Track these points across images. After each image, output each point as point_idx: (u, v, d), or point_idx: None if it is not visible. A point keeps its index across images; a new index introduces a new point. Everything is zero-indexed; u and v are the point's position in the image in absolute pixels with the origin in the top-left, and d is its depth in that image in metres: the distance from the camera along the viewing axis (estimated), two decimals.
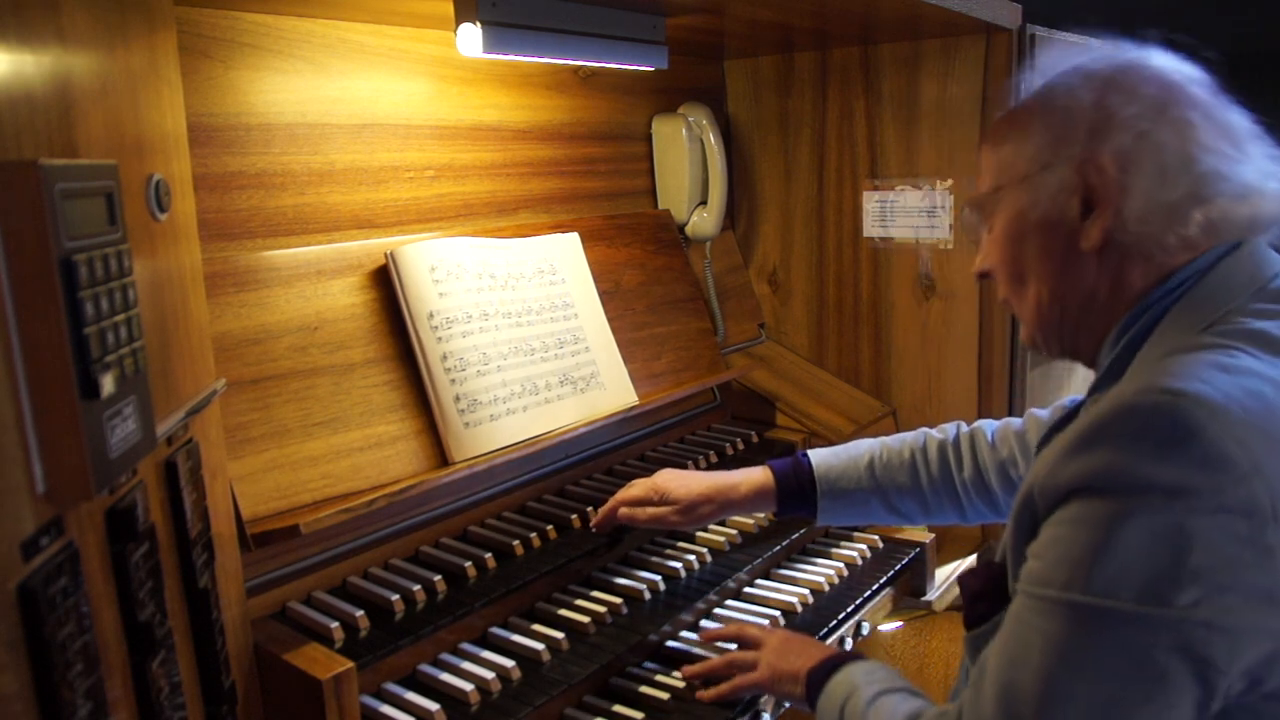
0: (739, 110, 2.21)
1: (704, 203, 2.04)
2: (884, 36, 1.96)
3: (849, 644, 1.54)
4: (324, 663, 1.07)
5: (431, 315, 1.43)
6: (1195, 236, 0.93)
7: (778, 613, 1.49)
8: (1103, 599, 0.79)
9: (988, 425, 1.43)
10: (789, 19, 1.75)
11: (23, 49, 0.67)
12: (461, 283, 1.48)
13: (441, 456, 1.41)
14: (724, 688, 1.27)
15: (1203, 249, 0.94)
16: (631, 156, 2.00)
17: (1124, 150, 0.93)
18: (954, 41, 1.90)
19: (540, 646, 1.27)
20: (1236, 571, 0.76)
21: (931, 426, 1.48)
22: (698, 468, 1.72)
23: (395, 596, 1.23)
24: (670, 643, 1.39)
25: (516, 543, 1.39)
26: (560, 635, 1.30)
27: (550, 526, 1.45)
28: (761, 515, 1.62)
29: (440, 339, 1.43)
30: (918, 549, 1.72)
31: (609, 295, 1.74)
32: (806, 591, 1.55)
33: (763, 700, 1.30)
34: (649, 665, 1.36)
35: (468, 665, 1.24)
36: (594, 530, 1.45)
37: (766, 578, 1.62)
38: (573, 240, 1.71)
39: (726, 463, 1.77)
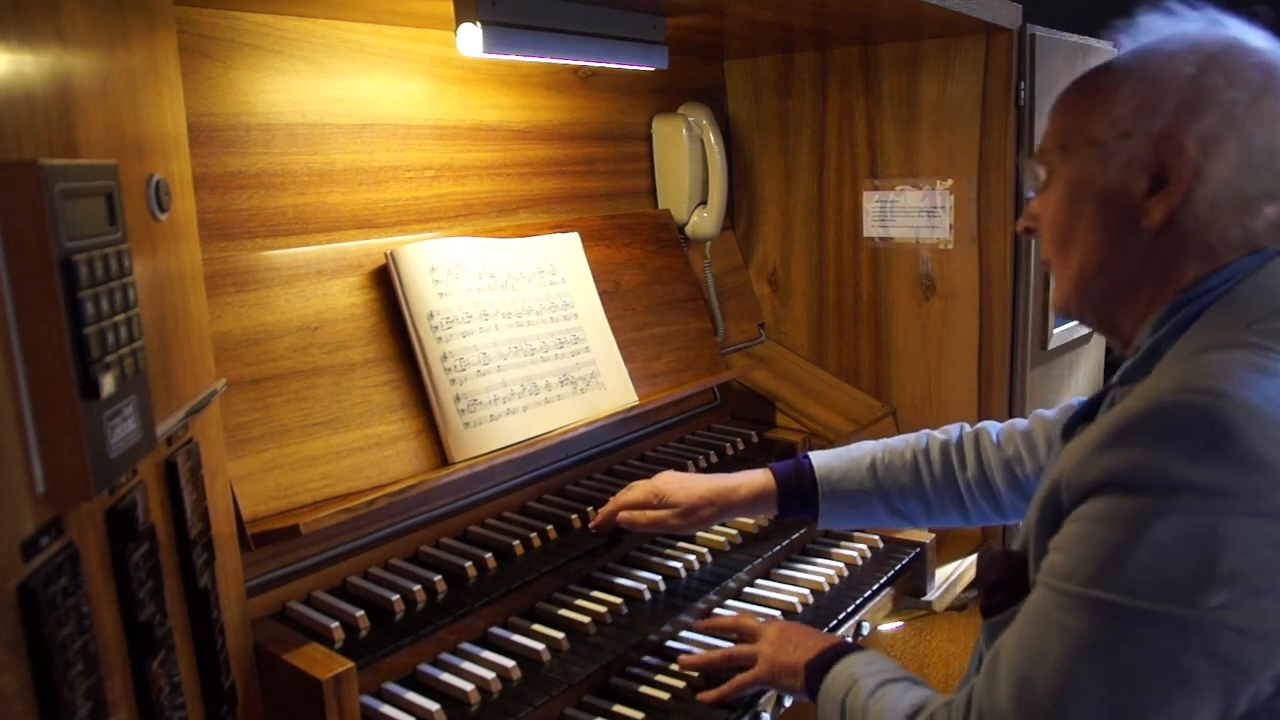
0: (739, 110, 2.21)
1: (704, 203, 2.04)
2: (884, 36, 1.96)
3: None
4: (324, 663, 1.07)
5: (431, 315, 1.43)
6: (1261, 231, 0.91)
7: (778, 613, 1.49)
8: (1128, 597, 0.78)
9: (992, 425, 1.42)
10: (789, 19, 1.75)
11: (23, 49, 0.67)
12: (461, 283, 1.48)
13: (441, 456, 1.41)
14: (725, 688, 1.26)
15: (1263, 245, 0.92)
16: (631, 156, 2.00)
17: (1211, 133, 0.89)
18: (954, 41, 1.90)
19: (540, 646, 1.27)
20: (1271, 575, 0.75)
21: (932, 427, 1.48)
22: (698, 468, 1.72)
23: (395, 596, 1.23)
24: (670, 643, 1.39)
25: (516, 543, 1.39)
26: (560, 635, 1.30)
27: (550, 526, 1.45)
28: (761, 516, 1.62)
29: (440, 339, 1.43)
30: (918, 549, 1.72)
31: (609, 295, 1.74)
32: (807, 591, 1.55)
33: (763, 701, 1.30)
34: (649, 665, 1.36)
35: (468, 665, 1.24)
36: (593, 531, 1.45)
37: (767, 578, 1.62)
38: (573, 240, 1.71)
39: (726, 463, 1.77)
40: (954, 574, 1.84)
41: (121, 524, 0.75)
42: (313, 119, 1.42)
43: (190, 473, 0.89)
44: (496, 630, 1.33)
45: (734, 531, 1.61)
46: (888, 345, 2.09)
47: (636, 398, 1.68)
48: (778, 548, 1.60)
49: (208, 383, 0.99)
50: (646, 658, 1.37)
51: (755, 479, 1.44)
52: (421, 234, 1.55)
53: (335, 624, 1.16)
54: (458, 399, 1.42)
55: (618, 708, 1.26)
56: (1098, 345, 2.38)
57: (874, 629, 1.66)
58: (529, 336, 1.55)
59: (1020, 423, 1.40)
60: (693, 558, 1.52)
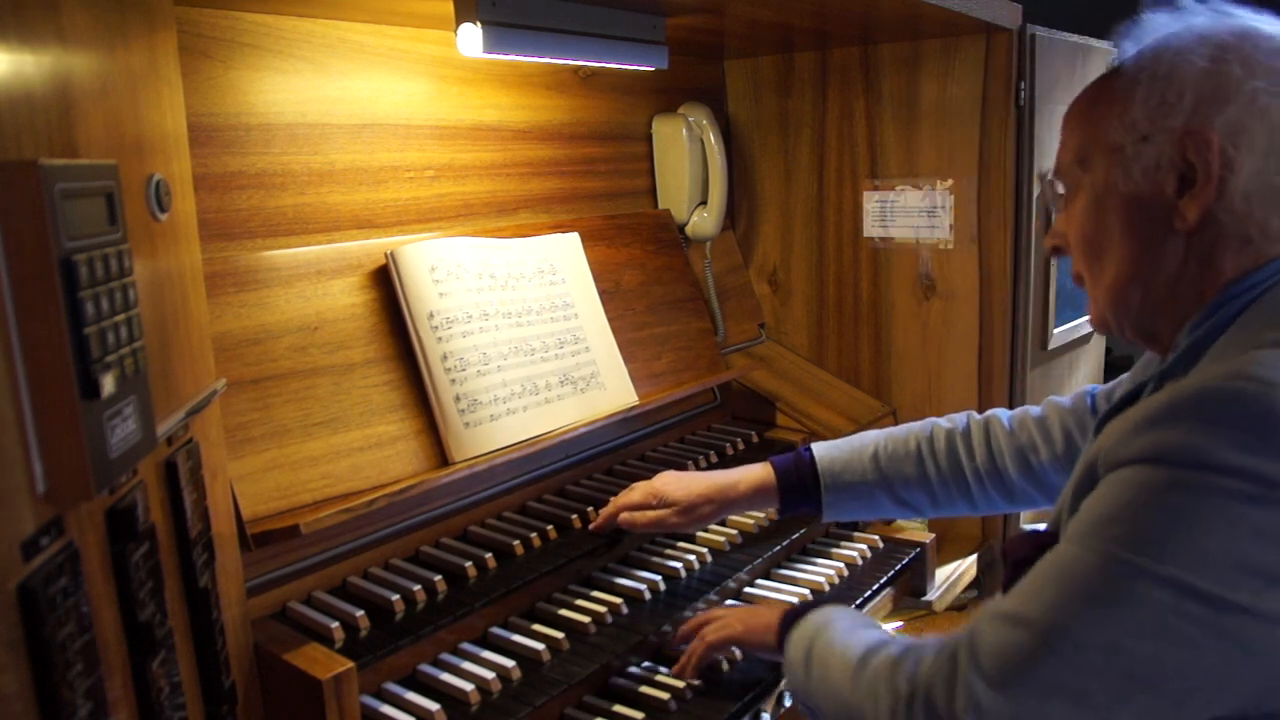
0: (739, 110, 2.21)
1: (704, 203, 2.04)
2: (884, 36, 1.96)
3: None
4: (324, 663, 1.07)
5: (432, 315, 1.43)
6: None
7: None
8: (1147, 560, 0.76)
9: (1003, 413, 1.40)
10: (789, 19, 1.75)
11: (23, 49, 0.67)
12: (461, 283, 1.48)
13: (441, 456, 1.41)
14: (699, 648, 1.27)
15: None
16: (631, 156, 2.00)
17: (1237, 124, 0.86)
18: (954, 41, 1.90)
19: (540, 646, 1.27)
20: None
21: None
22: (698, 468, 1.72)
23: (395, 596, 1.23)
24: (676, 643, 1.39)
25: (517, 543, 1.39)
26: (560, 635, 1.30)
27: (550, 526, 1.45)
28: (762, 515, 1.62)
29: (440, 339, 1.43)
30: (918, 549, 1.72)
31: (609, 295, 1.74)
32: (807, 591, 1.55)
33: (764, 701, 1.30)
34: (649, 665, 1.36)
35: (468, 665, 1.24)
36: (593, 532, 1.45)
37: (767, 578, 1.62)
38: (573, 240, 1.71)
39: (726, 463, 1.77)
40: (954, 574, 1.84)
41: (121, 524, 0.75)
42: (313, 119, 1.42)
43: (190, 473, 0.89)
44: (496, 630, 1.33)
45: (734, 531, 1.61)
46: (888, 345, 2.09)
47: (636, 398, 1.68)
48: (778, 548, 1.60)
49: (208, 383, 0.99)
50: (646, 658, 1.37)
51: (754, 473, 1.44)
52: (421, 234, 1.55)
53: (335, 624, 1.16)
54: (458, 399, 1.42)
55: (618, 708, 1.26)
56: (1098, 345, 2.39)
57: None
58: (529, 336, 1.55)
59: (1034, 409, 1.38)
60: (693, 558, 1.52)
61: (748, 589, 1.57)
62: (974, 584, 1.93)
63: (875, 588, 1.60)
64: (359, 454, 1.33)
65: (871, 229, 2.07)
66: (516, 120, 1.73)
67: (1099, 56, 2.22)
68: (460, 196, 1.64)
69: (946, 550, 1.92)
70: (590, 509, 1.50)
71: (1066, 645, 0.79)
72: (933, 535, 1.76)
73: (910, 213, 2.01)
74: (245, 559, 1.10)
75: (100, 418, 0.68)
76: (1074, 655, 0.79)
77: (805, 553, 1.71)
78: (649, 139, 2.03)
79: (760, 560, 1.57)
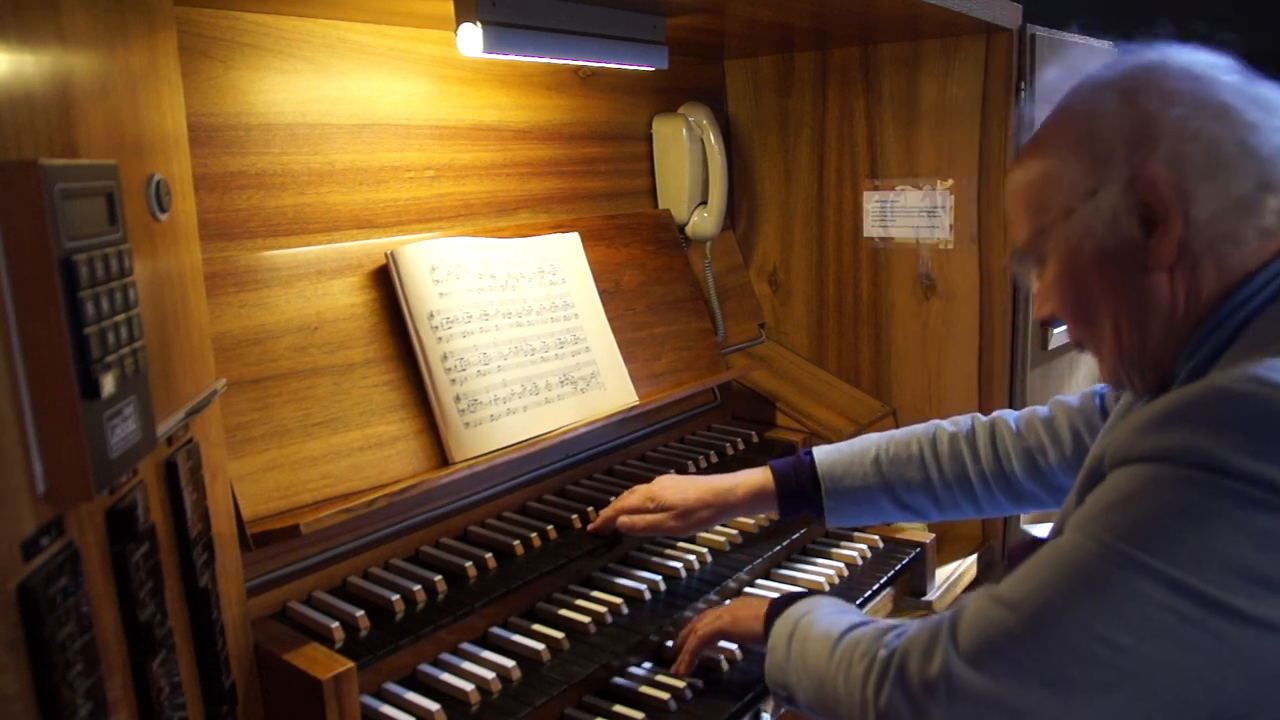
0: (739, 110, 2.21)
1: (704, 203, 2.04)
2: (884, 36, 1.96)
3: None
4: (324, 663, 1.07)
5: (432, 315, 1.43)
6: (1273, 225, 0.87)
7: None
8: (1146, 555, 0.76)
9: (1009, 414, 1.39)
10: (789, 19, 1.74)
11: (23, 49, 0.67)
12: (462, 283, 1.48)
13: (441, 456, 1.41)
14: (691, 642, 1.28)
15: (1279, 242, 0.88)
16: (631, 156, 2.00)
17: (1175, 155, 0.87)
18: (954, 41, 1.90)
19: (540, 646, 1.27)
20: None
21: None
22: (698, 468, 1.72)
23: (395, 596, 1.23)
24: (670, 643, 1.39)
25: (517, 543, 1.39)
26: (560, 635, 1.30)
27: (550, 526, 1.45)
28: (762, 515, 1.62)
29: (440, 339, 1.43)
30: (918, 549, 1.72)
31: (609, 295, 1.74)
32: (807, 592, 1.55)
33: (764, 701, 1.30)
34: (649, 665, 1.36)
35: (468, 665, 1.24)
36: (591, 534, 1.45)
37: (767, 578, 1.62)
38: (573, 240, 1.71)
39: (727, 463, 1.77)
40: (954, 574, 1.84)
41: (122, 524, 0.75)
42: (313, 119, 1.42)
43: (190, 473, 0.89)
44: (496, 630, 1.33)
45: (734, 531, 1.61)
46: (888, 345, 2.09)
47: (636, 398, 1.68)
48: (778, 548, 1.60)
49: (208, 383, 0.99)
50: (646, 658, 1.37)
51: (753, 478, 1.43)
52: (421, 234, 1.55)
53: (335, 624, 1.16)
54: (458, 399, 1.42)
55: (618, 708, 1.26)
56: None
57: None
58: (529, 336, 1.55)
59: (1041, 410, 1.37)
60: (693, 558, 1.52)
61: (748, 589, 1.57)
62: (974, 584, 1.92)
63: (875, 588, 1.60)
64: (359, 454, 1.33)
65: (871, 229, 2.07)
66: (516, 120, 1.73)
67: (1099, 57, 2.22)
68: (460, 196, 1.64)
69: (947, 550, 1.92)
70: (590, 509, 1.50)
71: (1051, 629, 0.78)
72: (933, 535, 1.76)
73: (910, 213, 2.01)
74: (245, 559, 1.10)
75: (100, 418, 0.68)
76: (1058, 640, 0.78)
77: (805, 553, 1.71)
78: (649, 139, 2.03)
79: (760, 560, 1.57)
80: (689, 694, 1.28)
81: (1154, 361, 0.94)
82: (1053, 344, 2.05)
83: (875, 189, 2.05)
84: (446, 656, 1.27)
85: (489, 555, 1.35)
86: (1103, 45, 2.18)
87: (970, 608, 0.85)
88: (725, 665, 1.33)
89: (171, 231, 0.91)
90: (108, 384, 0.68)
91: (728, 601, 1.51)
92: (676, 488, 1.43)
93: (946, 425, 1.42)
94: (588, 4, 1.50)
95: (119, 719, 0.73)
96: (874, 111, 2.03)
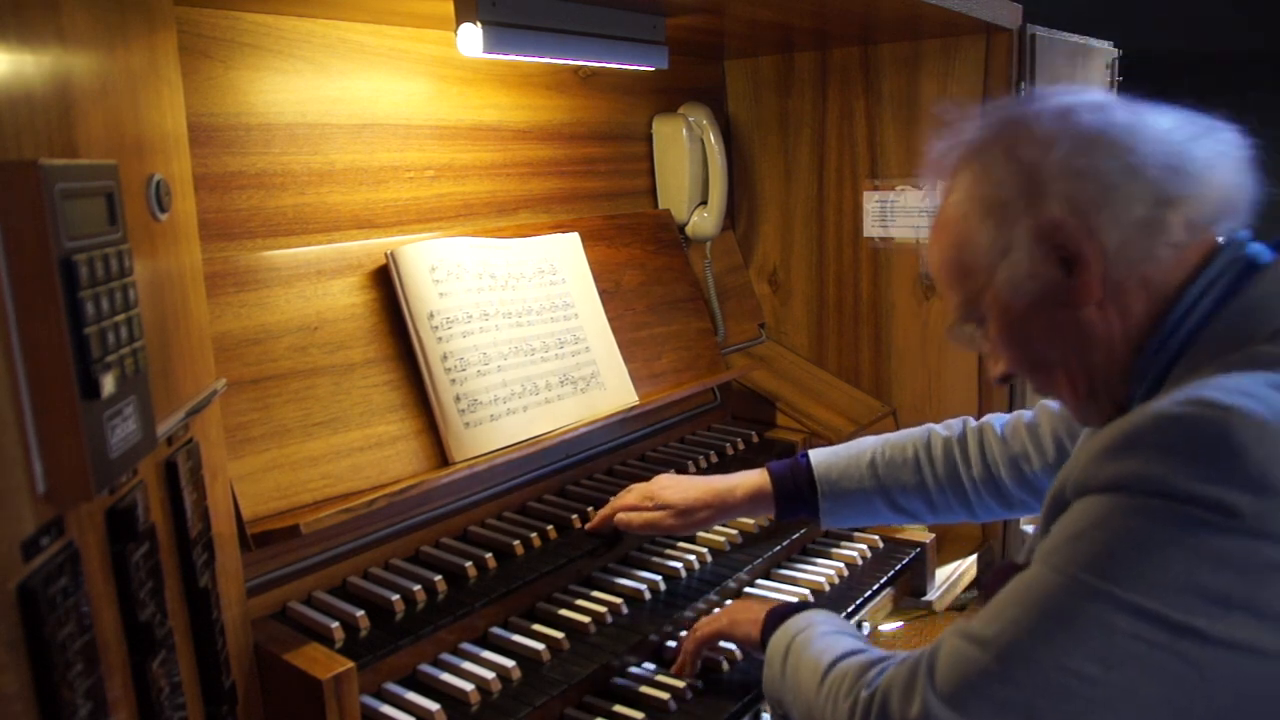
0: (739, 110, 2.21)
1: (704, 203, 2.04)
2: (884, 36, 1.96)
3: None
4: (324, 663, 1.07)
5: (432, 315, 1.43)
6: (1184, 240, 0.90)
7: None
8: (1107, 584, 0.77)
9: (997, 420, 1.41)
10: (789, 19, 1.74)
11: (23, 49, 0.67)
12: (462, 283, 1.48)
13: (442, 456, 1.41)
14: (689, 643, 1.30)
15: (1201, 253, 0.91)
16: (631, 156, 2.00)
17: (1070, 197, 0.90)
18: (954, 41, 1.90)
19: (540, 646, 1.27)
20: (1261, 595, 0.74)
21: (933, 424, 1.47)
22: (698, 468, 1.72)
23: (395, 596, 1.23)
24: (670, 643, 1.39)
25: (517, 543, 1.39)
26: (560, 635, 1.30)
27: (550, 526, 1.45)
28: (761, 516, 1.62)
29: (440, 339, 1.43)
30: (918, 549, 1.72)
31: (609, 295, 1.74)
32: (807, 592, 1.55)
33: (764, 701, 1.30)
34: (649, 665, 1.36)
35: (468, 665, 1.24)
36: (588, 533, 1.45)
37: (766, 578, 1.62)
38: (573, 240, 1.71)
39: (727, 463, 1.77)
40: (954, 574, 1.84)
41: (122, 524, 0.75)
42: (313, 119, 1.42)
43: (190, 473, 0.89)
44: (496, 630, 1.33)
45: (734, 531, 1.61)
46: (888, 345, 2.09)
47: (636, 398, 1.68)
48: (778, 548, 1.60)
49: (208, 383, 0.99)
50: (646, 658, 1.37)
51: (751, 480, 1.44)
52: (421, 234, 1.55)
53: (335, 624, 1.16)
54: (458, 399, 1.42)
55: (618, 708, 1.26)
56: None
57: (874, 629, 1.66)
58: (529, 336, 1.55)
59: (1026, 415, 1.38)
60: (693, 558, 1.52)
61: (748, 589, 1.57)
62: (974, 584, 1.92)
63: (875, 588, 1.60)
64: (359, 454, 1.33)
65: (871, 229, 2.07)
66: (516, 120, 1.73)
67: (1099, 57, 2.22)
68: (460, 196, 1.64)
69: (946, 550, 1.92)
70: (590, 509, 1.50)
71: (1022, 664, 0.80)
72: (933, 535, 1.76)
73: (910, 213, 2.01)
74: (245, 559, 1.10)
75: (100, 418, 0.68)
76: (1028, 674, 0.79)
77: (805, 553, 1.71)
78: (649, 139, 2.03)
79: (760, 560, 1.57)
80: (689, 694, 1.28)
81: (1108, 393, 0.96)
82: None
83: (875, 189, 2.05)
84: (446, 656, 1.27)
85: (489, 555, 1.35)
86: (1102, 45, 2.19)
87: (945, 646, 0.87)
88: (725, 665, 1.33)
89: (171, 231, 0.91)
90: (108, 384, 0.68)
91: (728, 602, 1.52)
92: (676, 487, 1.43)
93: (940, 430, 1.43)
94: (588, 4, 1.50)
95: (119, 719, 0.73)
96: (874, 111, 2.03)
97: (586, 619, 1.34)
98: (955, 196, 0.99)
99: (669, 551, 1.56)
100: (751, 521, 1.63)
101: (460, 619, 1.25)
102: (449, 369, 1.42)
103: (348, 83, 1.46)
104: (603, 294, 1.71)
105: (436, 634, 1.23)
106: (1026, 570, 0.85)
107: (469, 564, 1.32)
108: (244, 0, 1.29)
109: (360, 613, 1.19)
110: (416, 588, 1.25)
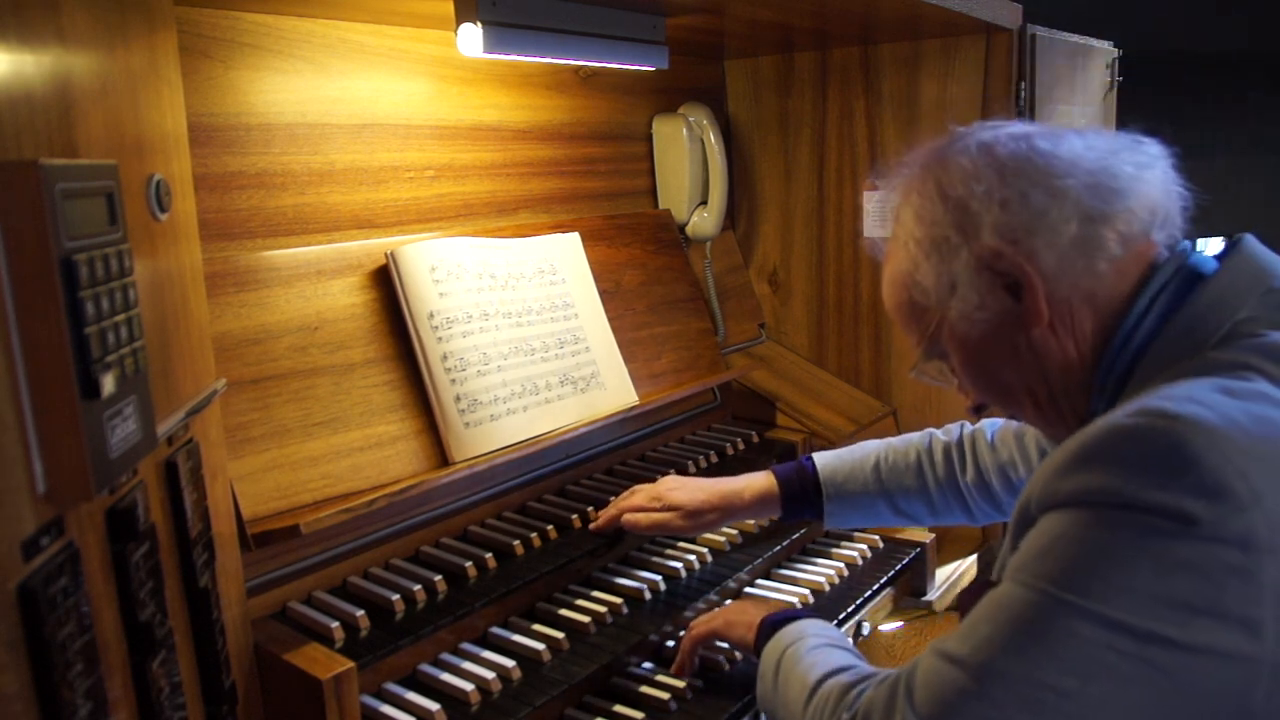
0: (739, 110, 2.21)
1: (704, 203, 2.04)
2: (884, 36, 1.96)
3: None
4: (324, 663, 1.07)
5: (432, 315, 1.43)
6: (1121, 255, 0.92)
7: None
8: (1074, 595, 0.78)
9: (989, 425, 1.42)
10: (789, 19, 1.75)
11: (23, 49, 0.67)
12: (462, 283, 1.48)
13: (442, 456, 1.41)
14: (685, 642, 1.30)
15: (1142, 265, 0.93)
16: (632, 156, 2.00)
17: (1000, 224, 0.93)
18: (954, 41, 1.90)
19: (541, 646, 1.27)
20: (1223, 600, 0.74)
21: (933, 427, 1.48)
22: (698, 468, 1.72)
23: (395, 596, 1.23)
24: (671, 643, 1.39)
25: (517, 543, 1.39)
26: (561, 635, 1.30)
27: (550, 526, 1.45)
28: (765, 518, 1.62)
29: (440, 339, 1.43)
30: (918, 549, 1.72)
31: (609, 295, 1.74)
32: (807, 592, 1.55)
33: None
34: (649, 665, 1.36)
35: (468, 665, 1.24)
36: (593, 533, 1.45)
37: (767, 578, 1.62)
38: (573, 240, 1.71)
39: (727, 463, 1.77)
40: (954, 574, 1.84)
41: (122, 524, 0.75)
42: (313, 119, 1.42)
43: (190, 473, 0.90)
44: (497, 630, 1.33)
45: (734, 531, 1.61)
46: (888, 345, 2.09)
47: (636, 398, 1.68)
48: (778, 548, 1.60)
49: (208, 383, 0.99)
50: (646, 658, 1.37)
51: (758, 482, 1.45)
52: (421, 234, 1.55)
53: (335, 624, 1.16)
54: (458, 399, 1.42)
55: (618, 708, 1.26)
56: None
57: (874, 629, 1.66)
58: (529, 336, 1.55)
59: (1014, 423, 1.40)
60: (693, 558, 1.52)
61: (748, 589, 1.57)
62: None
63: (875, 588, 1.60)
64: (359, 454, 1.33)
65: (872, 229, 2.07)
66: (516, 120, 1.73)
67: (1098, 57, 2.22)
68: (460, 196, 1.64)
69: (946, 550, 1.92)
70: (590, 509, 1.50)
71: (996, 681, 0.80)
72: (933, 535, 1.76)
73: None
74: (245, 559, 1.10)
75: (100, 418, 0.68)
76: (1004, 691, 0.80)
77: (805, 553, 1.71)
78: (649, 139, 2.03)
79: (760, 560, 1.57)
80: (689, 694, 1.28)
81: (1071, 410, 0.99)
82: None
83: (875, 189, 2.05)
84: (446, 656, 1.27)
85: (489, 555, 1.35)
86: (1103, 45, 2.19)
87: (923, 666, 0.87)
88: (726, 665, 1.33)
89: (171, 231, 0.91)
90: (108, 384, 0.68)
91: (728, 602, 1.52)
92: (684, 489, 1.45)
93: (940, 434, 1.45)
94: (588, 4, 1.50)
95: (119, 719, 0.73)
96: (874, 111, 2.03)
97: (587, 619, 1.34)
98: (897, 242, 1.03)
99: (669, 551, 1.56)
100: (752, 522, 1.63)
101: (460, 619, 1.25)
102: (449, 369, 1.42)
103: (348, 83, 1.46)
104: (603, 294, 1.71)
105: (436, 634, 1.23)
106: (998, 587, 0.85)
107: (469, 564, 1.32)
108: (244, 0, 1.29)
109: (360, 613, 1.19)
110: (416, 588, 1.25)
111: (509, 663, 1.23)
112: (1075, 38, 2.07)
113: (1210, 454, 0.75)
